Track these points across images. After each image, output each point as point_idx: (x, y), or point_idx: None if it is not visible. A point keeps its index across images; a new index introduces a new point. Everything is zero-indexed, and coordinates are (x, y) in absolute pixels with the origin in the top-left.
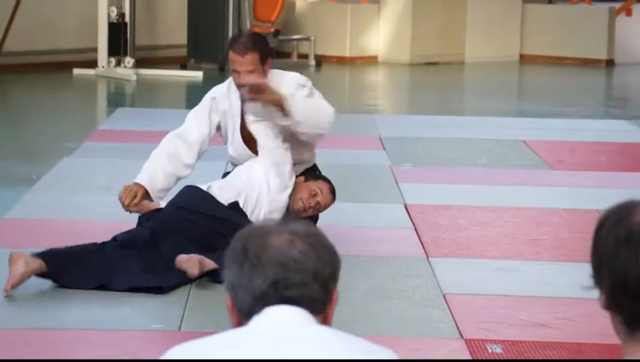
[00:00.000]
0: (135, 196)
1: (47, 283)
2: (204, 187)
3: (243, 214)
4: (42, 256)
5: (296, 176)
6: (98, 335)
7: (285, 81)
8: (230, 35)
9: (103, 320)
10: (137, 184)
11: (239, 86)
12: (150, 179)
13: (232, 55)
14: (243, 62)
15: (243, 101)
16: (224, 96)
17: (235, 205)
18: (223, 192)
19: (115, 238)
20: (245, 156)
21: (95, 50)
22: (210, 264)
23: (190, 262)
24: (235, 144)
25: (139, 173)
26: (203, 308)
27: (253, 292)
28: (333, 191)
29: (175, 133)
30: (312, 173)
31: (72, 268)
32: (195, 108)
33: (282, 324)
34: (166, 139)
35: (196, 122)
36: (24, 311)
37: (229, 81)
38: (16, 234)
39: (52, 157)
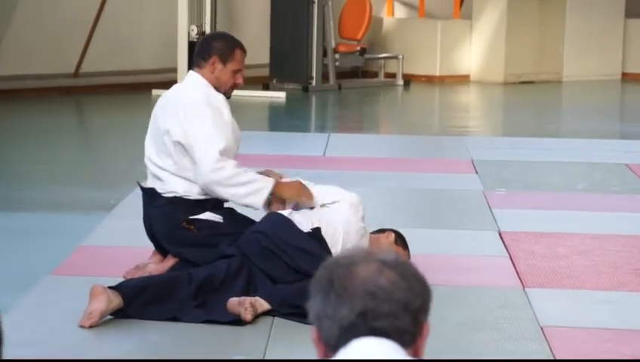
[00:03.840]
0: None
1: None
2: (285, 213)
3: (322, 242)
4: (121, 291)
5: (386, 231)
6: None
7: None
8: (315, 54)
9: (186, 349)
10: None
11: (237, 86)
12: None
13: (242, 55)
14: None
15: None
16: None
17: (316, 231)
18: (306, 219)
19: (190, 276)
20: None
21: (174, 70)
22: (264, 305)
23: (242, 306)
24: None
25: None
26: (287, 338)
27: (340, 323)
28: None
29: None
30: (401, 237)
31: (148, 305)
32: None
33: (371, 357)
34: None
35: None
36: (101, 339)
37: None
38: (95, 261)
39: (130, 182)
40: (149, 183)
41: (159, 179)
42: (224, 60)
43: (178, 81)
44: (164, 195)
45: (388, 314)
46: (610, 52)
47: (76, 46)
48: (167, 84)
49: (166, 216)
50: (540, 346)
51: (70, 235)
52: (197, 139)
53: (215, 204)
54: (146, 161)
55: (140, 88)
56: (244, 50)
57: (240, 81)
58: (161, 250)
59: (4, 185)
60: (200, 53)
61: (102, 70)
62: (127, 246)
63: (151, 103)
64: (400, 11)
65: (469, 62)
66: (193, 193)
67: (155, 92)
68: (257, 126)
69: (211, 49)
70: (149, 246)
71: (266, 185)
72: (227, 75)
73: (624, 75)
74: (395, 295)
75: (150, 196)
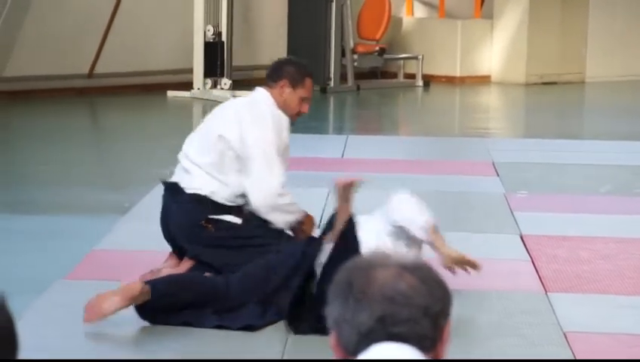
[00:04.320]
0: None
1: (131, 314)
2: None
3: None
4: (153, 290)
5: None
6: None
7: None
8: (333, 54)
9: (204, 356)
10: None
11: (302, 114)
12: None
13: (312, 84)
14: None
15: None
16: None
17: None
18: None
19: (227, 288)
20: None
21: (190, 71)
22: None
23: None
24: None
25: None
26: (304, 344)
27: (358, 329)
28: None
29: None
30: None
31: (166, 312)
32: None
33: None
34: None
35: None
36: (117, 346)
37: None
38: (108, 265)
39: (145, 185)
40: (174, 178)
41: (188, 172)
42: (294, 85)
43: (193, 82)
44: (187, 192)
45: (407, 320)
46: (634, 51)
47: (90, 47)
48: (182, 86)
49: (186, 212)
50: (563, 351)
51: (84, 238)
52: (258, 155)
53: (238, 211)
54: (180, 155)
55: (154, 89)
56: (313, 80)
57: (305, 110)
58: (176, 248)
59: (15, 187)
60: (270, 74)
61: (116, 71)
62: (142, 250)
63: (167, 105)
64: (420, 11)
65: (490, 63)
66: (220, 196)
67: (170, 93)
68: None
69: (282, 72)
70: (164, 250)
71: (299, 216)
72: (295, 100)
73: None
74: (414, 299)
75: (172, 191)
